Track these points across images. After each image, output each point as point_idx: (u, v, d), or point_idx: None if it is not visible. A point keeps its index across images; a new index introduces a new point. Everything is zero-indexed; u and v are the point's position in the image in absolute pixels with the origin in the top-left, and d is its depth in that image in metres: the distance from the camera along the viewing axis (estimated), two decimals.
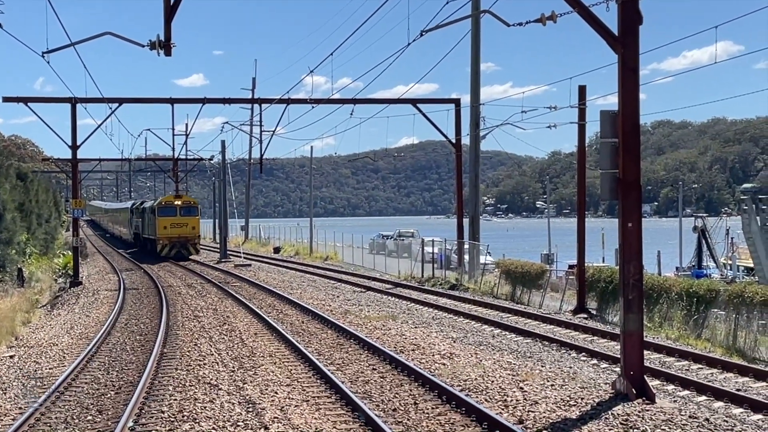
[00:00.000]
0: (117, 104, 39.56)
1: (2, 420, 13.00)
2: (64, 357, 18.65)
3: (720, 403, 13.81)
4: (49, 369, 17.29)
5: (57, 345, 20.60)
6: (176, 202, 55.75)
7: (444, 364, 16.45)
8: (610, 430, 11.44)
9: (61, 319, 26.53)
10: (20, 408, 13.71)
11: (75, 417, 12.97)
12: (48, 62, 24.24)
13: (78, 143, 39.12)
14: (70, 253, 42.58)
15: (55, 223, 68.51)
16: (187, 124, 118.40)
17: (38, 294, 35.33)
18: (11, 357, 19.28)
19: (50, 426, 12.48)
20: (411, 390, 14.26)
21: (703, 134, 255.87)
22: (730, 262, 59.62)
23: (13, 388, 15.43)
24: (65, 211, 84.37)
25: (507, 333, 21.71)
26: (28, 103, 37.90)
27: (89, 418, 12.91)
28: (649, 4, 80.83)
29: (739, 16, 54.05)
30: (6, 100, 37.66)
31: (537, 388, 14.09)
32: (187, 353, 18.31)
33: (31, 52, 26.00)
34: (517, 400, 13.26)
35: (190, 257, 55.15)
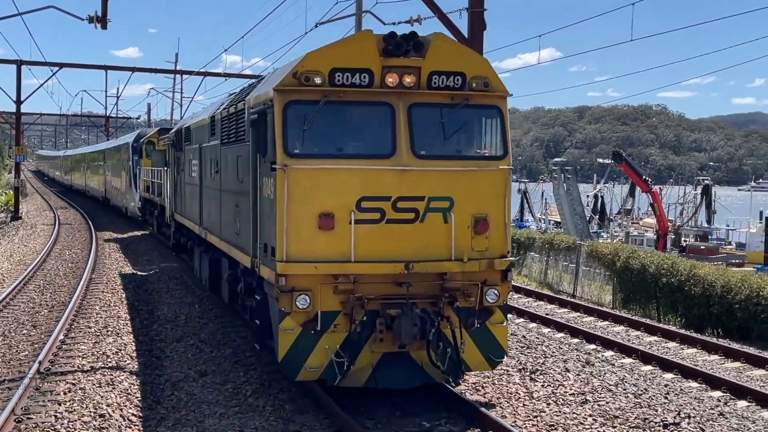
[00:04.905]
0: (58, 68, 37.06)
1: None
2: (3, 280, 17.35)
3: (534, 324, 14.26)
4: None
5: None
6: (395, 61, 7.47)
7: None
8: None
9: (1, 248, 24.75)
10: None
11: (12, 331, 12.08)
12: None
13: (22, 99, 36.74)
14: (12, 192, 39.82)
15: None
16: (118, 88, 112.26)
17: None
18: None
19: None
20: None
21: (527, 119, 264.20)
22: (543, 217, 62.09)
23: None
24: (8, 156, 78.69)
25: None
26: None
27: (24, 332, 12.06)
28: (495, 15, 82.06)
29: (557, 28, 55.49)
30: None
31: None
32: (113, 279, 17.42)
33: None
34: None
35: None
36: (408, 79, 7.61)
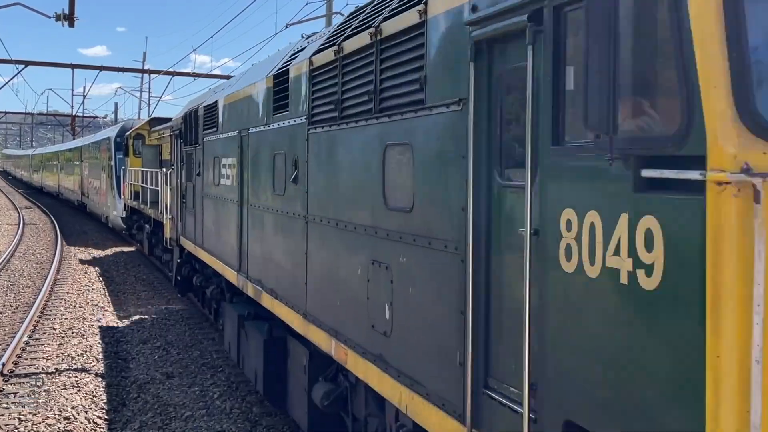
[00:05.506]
0: (23, 65, 36.34)
1: None
2: None
3: None
4: None
5: None
6: None
7: None
8: None
9: None
10: None
11: None
12: None
13: None
14: None
15: None
16: (84, 87, 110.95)
17: None
18: None
19: None
20: None
21: None
22: None
23: None
24: None
25: None
26: None
27: None
28: None
29: None
30: None
31: None
32: (78, 280, 17.21)
33: None
34: None
35: None
36: None
